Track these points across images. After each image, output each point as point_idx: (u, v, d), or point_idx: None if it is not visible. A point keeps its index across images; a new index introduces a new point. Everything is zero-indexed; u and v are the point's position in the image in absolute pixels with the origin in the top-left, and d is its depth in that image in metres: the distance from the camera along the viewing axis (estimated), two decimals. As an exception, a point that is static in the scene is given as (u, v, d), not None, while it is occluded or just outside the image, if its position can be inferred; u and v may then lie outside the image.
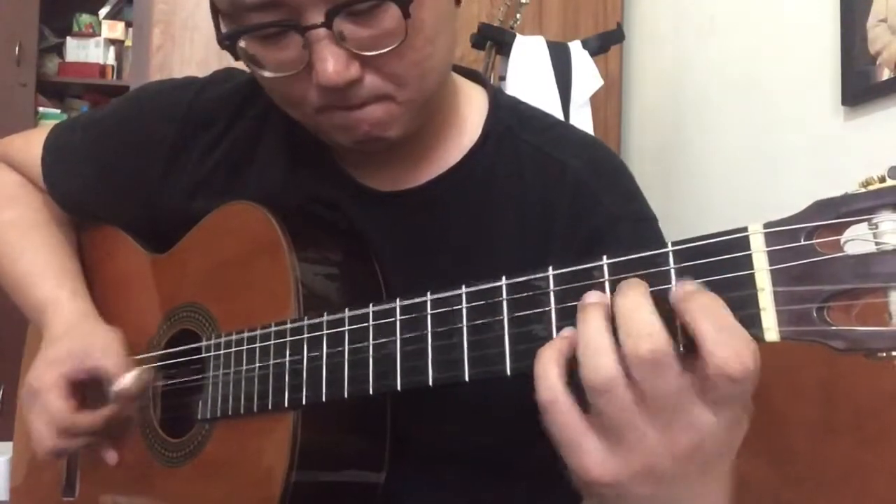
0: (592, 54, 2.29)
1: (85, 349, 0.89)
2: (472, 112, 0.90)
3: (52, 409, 0.86)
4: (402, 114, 0.76)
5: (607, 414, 0.51)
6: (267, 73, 0.75)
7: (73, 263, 1.03)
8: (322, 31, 0.69)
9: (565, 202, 0.84)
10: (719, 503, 0.55)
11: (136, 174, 0.96)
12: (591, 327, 0.51)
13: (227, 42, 0.73)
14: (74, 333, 0.92)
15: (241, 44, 0.74)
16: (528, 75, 2.21)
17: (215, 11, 0.75)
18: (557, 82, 2.21)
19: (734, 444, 0.52)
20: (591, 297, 0.53)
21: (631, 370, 0.49)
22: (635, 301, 0.50)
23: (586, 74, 2.25)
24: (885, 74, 1.60)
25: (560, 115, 2.18)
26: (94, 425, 0.88)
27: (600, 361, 0.50)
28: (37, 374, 0.88)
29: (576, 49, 2.28)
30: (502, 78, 2.26)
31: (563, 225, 0.84)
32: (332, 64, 0.70)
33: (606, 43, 2.34)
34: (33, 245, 1.02)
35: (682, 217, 2.32)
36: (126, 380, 0.87)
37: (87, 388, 0.89)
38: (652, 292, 0.51)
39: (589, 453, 0.52)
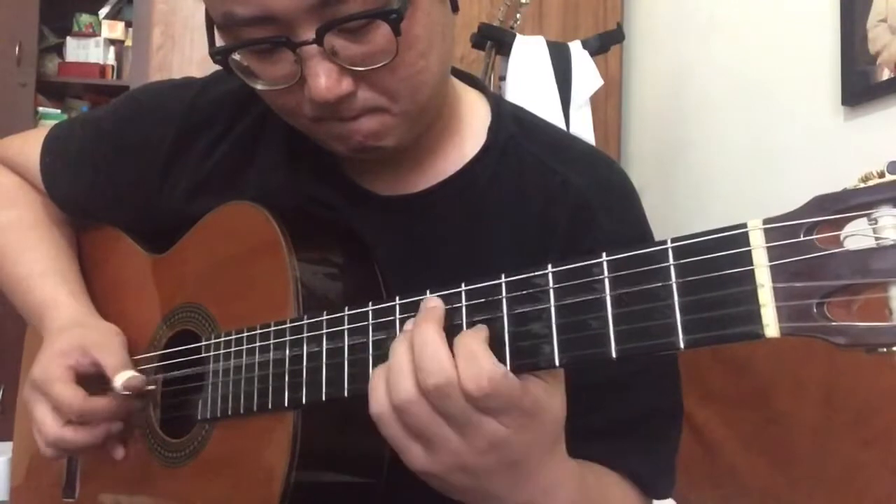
0: (592, 54, 2.29)
1: (86, 343, 0.89)
2: (474, 119, 0.90)
3: (61, 399, 0.85)
4: (396, 125, 0.77)
5: (410, 426, 0.62)
6: (260, 86, 0.75)
7: (72, 265, 1.03)
8: (314, 48, 0.69)
9: (564, 219, 0.84)
10: (545, 491, 0.66)
11: (136, 175, 0.96)
12: (398, 354, 0.62)
13: (218, 57, 0.74)
14: (75, 329, 0.92)
15: (235, 56, 0.74)
16: (528, 75, 2.21)
17: (210, 23, 0.75)
18: (557, 82, 2.22)
19: (530, 444, 0.62)
20: (408, 324, 0.64)
21: (425, 393, 0.60)
22: (425, 337, 0.60)
23: (586, 74, 2.25)
24: (885, 74, 1.60)
25: (560, 116, 2.18)
26: (106, 412, 0.87)
27: (401, 385, 0.61)
28: (42, 368, 0.88)
29: (576, 49, 2.28)
30: (502, 78, 2.27)
31: (561, 241, 0.84)
32: (323, 80, 0.70)
33: (606, 43, 2.35)
34: (32, 247, 1.02)
35: (681, 216, 2.33)
36: (121, 378, 0.86)
37: (89, 382, 0.89)
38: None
39: (411, 454, 0.63)
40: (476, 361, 0.58)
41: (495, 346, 0.60)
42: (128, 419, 0.91)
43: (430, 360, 0.59)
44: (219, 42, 0.74)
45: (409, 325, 0.64)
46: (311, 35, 0.68)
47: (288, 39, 0.69)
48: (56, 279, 0.99)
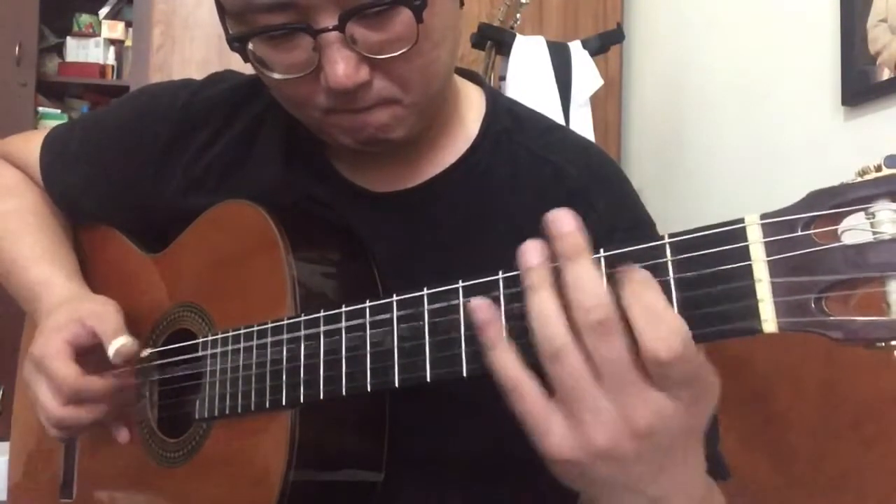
0: (592, 54, 2.29)
1: (83, 314, 0.89)
2: (470, 113, 0.90)
3: (59, 375, 0.85)
4: (406, 116, 0.77)
5: (561, 381, 0.53)
6: (275, 75, 0.75)
7: (69, 252, 1.04)
8: (334, 35, 0.69)
9: (560, 207, 0.84)
10: (687, 490, 0.58)
11: (132, 175, 0.96)
12: (540, 297, 0.54)
13: (237, 44, 0.73)
14: (71, 304, 0.92)
15: (249, 45, 0.74)
16: (528, 75, 2.21)
17: (221, 11, 0.75)
18: (557, 82, 2.21)
19: (695, 425, 0.55)
20: (532, 258, 0.55)
21: (582, 337, 0.52)
22: (582, 271, 0.52)
23: (586, 74, 2.25)
24: (885, 74, 1.60)
25: (560, 115, 2.17)
26: (102, 390, 0.87)
27: (551, 331, 0.52)
28: (40, 344, 0.88)
29: (576, 49, 2.28)
30: (502, 78, 2.26)
31: None
32: (342, 67, 0.70)
33: (606, 43, 2.35)
34: (32, 232, 1.02)
35: (681, 216, 2.32)
36: (115, 345, 0.86)
37: (90, 356, 0.88)
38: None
39: (552, 432, 0.54)
40: (661, 318, 0.50)
41: None
42: (128, 401, 0.91)
43: (591, 293, 0.51)
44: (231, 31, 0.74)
45: (533, 258, 0.55)
46: (331, 22, 0.68)
47: (308, 26, 0.69)
48: (53, 262, 1.00)
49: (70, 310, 0.91)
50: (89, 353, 0.88)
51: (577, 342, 0.52)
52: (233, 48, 0.74)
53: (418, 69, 0.74)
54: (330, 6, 0.68)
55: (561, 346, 0.52)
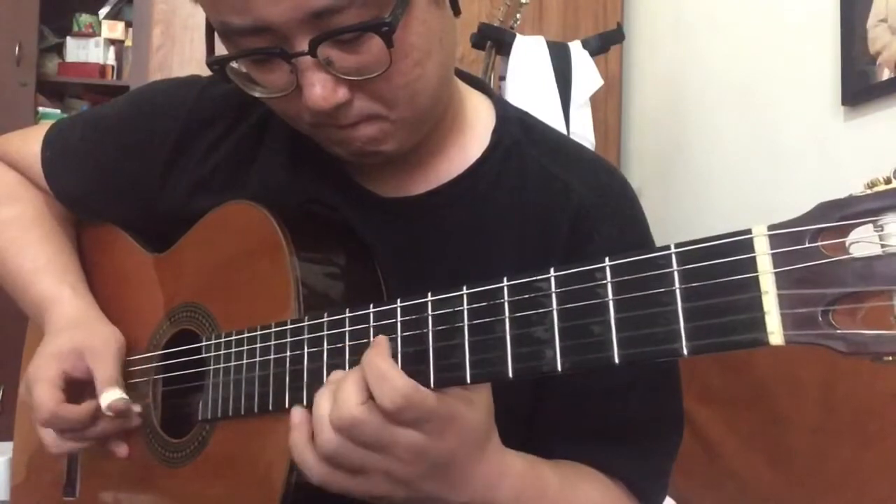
0: (592, 54, 2.29)
1: (84, 348, 0.89)
2: (477, 122, 0.89)
3: (37, 400, 0.86)
4: (395, 131, 0.77)
5: (343, 466, 0.67)
6: (258, 94, 0.76)
7: (74, 260, 1.03)
8: (308, 59, 0.69)
9: (566, 225, 0.84)
10: (488, 485, 0.70)
11: (137, 173, 0.96)
12: (319, 408, 0.67)
13: (215, 67, 0.74)
14: (76, 330, 0.92)
15: (233, 64, 0.75)
16: (528, 75, 2.21)
17: (210, 33, 0.75)
18: (557, 82, 2.21)
19: (453, 449, 0.66)
20: (335, 375, 0.69)
21: (340, 430, 0.65)
22: (341, 384, 0.65)
23: (586, 74, 2.25)
24: (885, 74, 1.60)
25: (560, 116, 2.17)
26: (77, 420, 0.87)
27: (324, 437, 0.66)
28: (35, 367, 0.88)
29: (576, 49, 2.28)
30: (502, 78, 2.26)
31: (562, 247, 0.84)
32: (318, 90, 0.70)
33: (606, 43, 2.35)
34: (34, 242, 1.02)
35: (681, 217, 2.32)
36: (106, 399, 0.86)
37: (83, 388, 0.89)
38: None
39: (344, 488, 0.68)
40: (385, 378, 0.62)
41: (498, 349, 0.60)
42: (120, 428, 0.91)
43: (341, 400, 0.64)
44: (219, 47, 0.75)
45: (335, 375, 0.69)
46: (305, 46, 0.69)
47: (282, 50, 0.69)
48: (58, 274, 0.99)
49: (73, 338, 0.91)
50: (82, 387, 0.89)
51: (338, 434, 0.65)
52: (211, 70, 0.75)
53: (401, 87, 0.73)
54: (303, 30, 0.68)
55: (334, 450, 0.66)
